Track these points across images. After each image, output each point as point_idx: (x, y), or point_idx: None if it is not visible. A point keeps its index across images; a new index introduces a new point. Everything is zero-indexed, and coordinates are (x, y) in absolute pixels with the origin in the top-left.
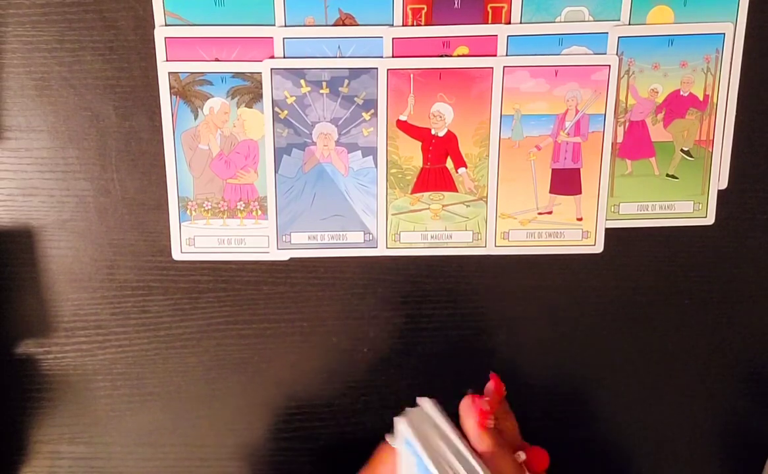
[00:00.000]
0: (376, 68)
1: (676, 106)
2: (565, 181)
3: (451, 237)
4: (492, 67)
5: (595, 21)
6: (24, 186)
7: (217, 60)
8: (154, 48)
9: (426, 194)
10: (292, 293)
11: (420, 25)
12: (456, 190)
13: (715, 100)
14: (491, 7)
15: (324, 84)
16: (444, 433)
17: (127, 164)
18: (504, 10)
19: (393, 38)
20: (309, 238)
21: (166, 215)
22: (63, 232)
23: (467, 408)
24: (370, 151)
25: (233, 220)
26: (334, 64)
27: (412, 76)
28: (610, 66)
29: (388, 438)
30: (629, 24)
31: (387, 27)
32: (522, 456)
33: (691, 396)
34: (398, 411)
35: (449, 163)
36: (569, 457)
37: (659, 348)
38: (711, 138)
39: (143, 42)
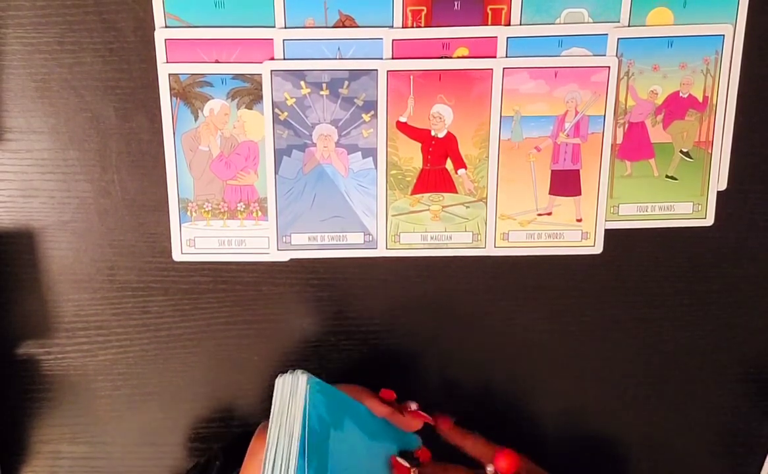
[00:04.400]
0: (376, 70)
1: (675, 107)
2: (565, 182)
3: (450, 238)
4: (492, 69)
5: (594, 22)
6: (25, 187)
7: (217, 61)
8: (155, 49)
9: (426, 195)
10: (292, 294)
11: (420, 26)
12: (456, 192)
13: (714, 101)
14: (491, 9)
15: (324, 85)
16: None
17: (127, 165)
18: (504, 12)
19: (393, 40)
20: (309, 239)
21: (166, 216)
22: (64, 233)
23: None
24: (370, 153)
25: (233, 221)
26: (334, 66)
27: (411, 77)
28: (609, 67)
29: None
30: (629, 26)
31: (387, 29)
32: (490, 468)
33: (691, 396)
34: None
35: (449, 165)
36: (569, 457)
37: (659, 348)
38: (710, 139)
39: (143, 43)
